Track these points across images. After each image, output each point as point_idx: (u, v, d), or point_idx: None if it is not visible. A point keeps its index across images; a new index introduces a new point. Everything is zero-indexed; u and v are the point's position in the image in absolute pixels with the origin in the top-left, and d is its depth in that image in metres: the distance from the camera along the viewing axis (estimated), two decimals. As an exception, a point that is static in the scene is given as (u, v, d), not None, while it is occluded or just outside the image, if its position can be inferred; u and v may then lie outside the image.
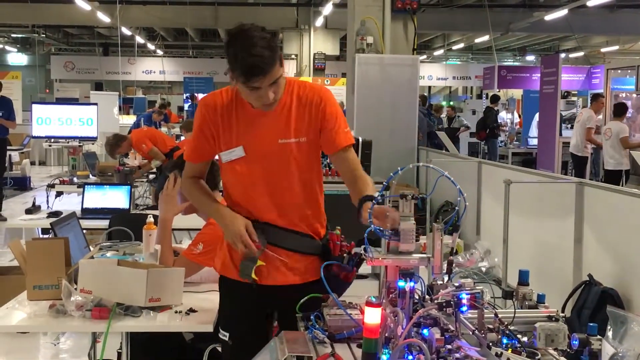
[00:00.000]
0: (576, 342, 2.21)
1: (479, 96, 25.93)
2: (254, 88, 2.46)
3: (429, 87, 31.97)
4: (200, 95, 21.78)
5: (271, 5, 19.70)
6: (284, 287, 2.67)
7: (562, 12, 15.97)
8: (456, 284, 2.18)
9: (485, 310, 2.15)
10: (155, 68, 26.96)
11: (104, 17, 17.54)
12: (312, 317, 2.46)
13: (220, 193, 3.29)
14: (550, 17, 16.50)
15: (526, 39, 25.72)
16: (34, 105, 15.35)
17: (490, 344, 2.05)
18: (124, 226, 4.52)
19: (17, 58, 29.74)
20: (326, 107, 2.64)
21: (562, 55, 21.81)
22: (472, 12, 18.44)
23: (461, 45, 26.55)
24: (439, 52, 28.10)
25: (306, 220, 2.72)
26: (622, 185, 9.73)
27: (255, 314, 2.74)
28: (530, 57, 28.55)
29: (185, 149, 2.69)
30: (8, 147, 11.28)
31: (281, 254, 2.67)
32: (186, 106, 22.30)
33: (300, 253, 2.70)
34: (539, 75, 12.69)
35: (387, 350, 2.05)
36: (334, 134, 2.66)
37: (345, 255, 2.69)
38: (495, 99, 15.89)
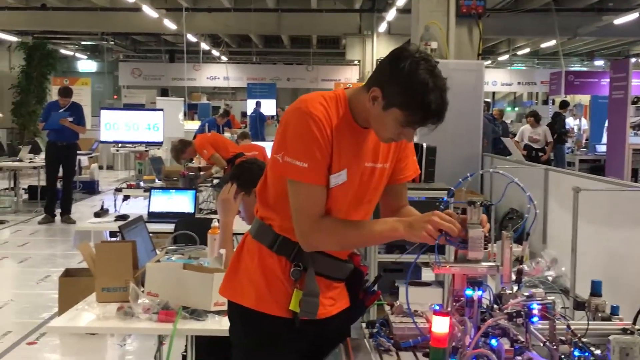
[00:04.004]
0: (652, 357, 2.13)
1: (545, 102, 25.43)
2: (414, 127, 2.20)
3: (493, 93, 31.54)
4: (264, 102, 21.86)
5: (334, 11, 19.73)
6: (320, 320, 2.35)
7: (633, 16, 15.54)
8: (526, 294, 2.12)
9: (557, 322, 2.09)
10: (220, 74, 27.31)
11: (170, 25, 17.88)
12: (377, 324, 2.43)
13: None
14: (619, 20, 16.08)
15: (594, 44, 25.15)
16: (102, 111, 15.74)
17: (562, 356, 1.99)
18: (189, 230, 4.58)
19: (86, 65, 30.55)
20: None
21: (633, 60, 21.26)
22: (538, 16, 18.11)
23: (527, 50, 26.14)
24: (503, 57, 27.70)
25: None
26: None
27: (293, 352, 2.39)
28: (599, 62, 27.88)
29: (304, 174, 2.19)
30: (78, 152, 11.57)
31: (330, 286, 2.41)
32: (249, 112, 22.44)
33: (339, 280, 2.45)
34: (607, 80, 12.40)
35: (454, 360, 2.02)
36: (408, 163, 2.49)
37: (367, 279, 2.51)
38: (564, 104, 15.55)
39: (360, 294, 2.48)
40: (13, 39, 20.94)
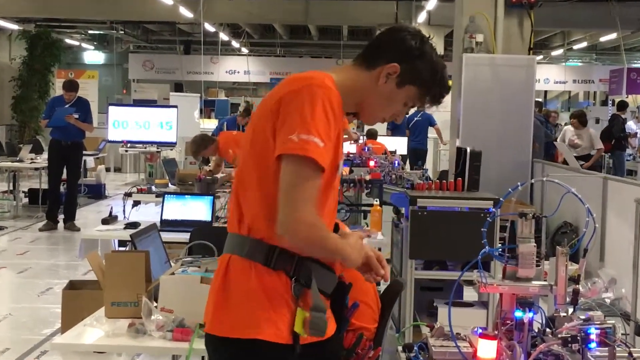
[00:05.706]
0: None
1: (604, 102, 25.22)
2: (421, 105, 2.45)
3: (545, 92, 31.32)
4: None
5: (367, -1, 19.74)
6: (318, 342, 2.27)
7: None
8: (583, 317, 2.12)
9: (617, 349, 2.09)
10: (240, 68, 27.39)
11: (186, 12, 17.98)
12: (415, 348, 2.45)
13: None
14: (690, 11, 15.92)
15: (661, 37, 24.91)
16: (110, 107, 15.94)
17: (622, 387, 2.00)
18: (206, 240, 4.61)
19: (94, 56, 30.81)
20: None
21: None
22: (597, 6, 17.93)
23: (584, 44, 25.91)
24: (557, 52, 27.50)
25: None
26: None
27: None
28: (666, 58, 27.62)
29: (321, 153, 2.11)
30: (83, 152, 11.67)
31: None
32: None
33: (328, 297, 2.38)
34: (675, 79, 12.28)
35: (501, 389, 2.02)
36: None
37: None
38: (622, 105, 15.44)
39: (345, 311, 2.40)
40: (14, 27, 21.22)
